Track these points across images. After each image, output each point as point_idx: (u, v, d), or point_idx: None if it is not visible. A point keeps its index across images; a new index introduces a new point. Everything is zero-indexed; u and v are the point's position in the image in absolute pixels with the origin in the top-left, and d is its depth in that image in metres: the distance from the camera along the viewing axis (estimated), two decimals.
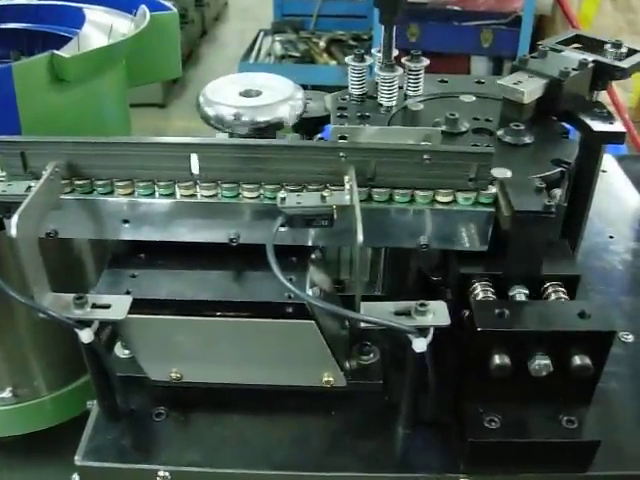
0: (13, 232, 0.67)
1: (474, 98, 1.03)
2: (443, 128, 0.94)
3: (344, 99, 1.03)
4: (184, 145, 0.78)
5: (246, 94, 0.90)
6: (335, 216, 0.74)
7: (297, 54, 3.71)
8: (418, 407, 0.81)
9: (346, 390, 0.85)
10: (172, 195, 0.80)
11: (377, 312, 0.71)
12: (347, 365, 0.84)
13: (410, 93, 1.03)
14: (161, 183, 0.79)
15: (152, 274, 0.81)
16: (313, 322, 0.76)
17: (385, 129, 0.88)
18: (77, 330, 0.72)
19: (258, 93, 0.90)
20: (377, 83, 1.02)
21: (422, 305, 0.71)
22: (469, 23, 3.57)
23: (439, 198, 0.78)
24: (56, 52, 0.99)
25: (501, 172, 0.81)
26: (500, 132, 0.94)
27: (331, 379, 0.83)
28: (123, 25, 1.19)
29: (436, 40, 3.44)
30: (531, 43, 3.36)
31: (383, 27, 0.97)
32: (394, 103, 1.00)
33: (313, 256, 0.82)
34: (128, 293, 0.77)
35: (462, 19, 3.58)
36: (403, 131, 0.81)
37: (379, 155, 0.76)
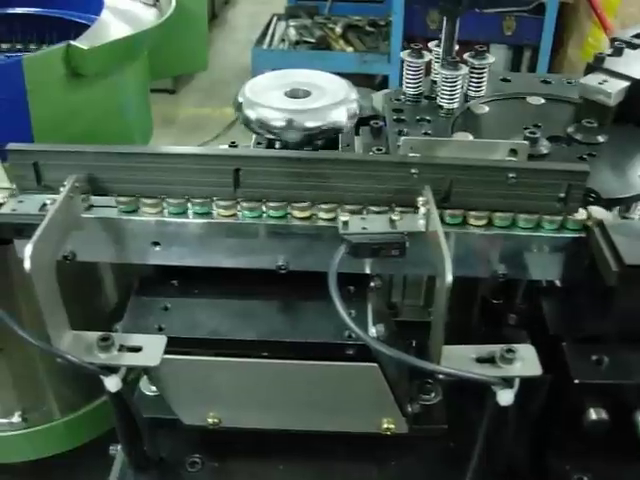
0: (27, 266, 0.56)
1: (543, 100, 0.91)
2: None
3: (398, 99, 0.91)
4: (224, 157, 0.67)
5: (293, 94, 0.78)
6: (407, 245, 0.63)
7: (312, 40, 3.57)
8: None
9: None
10: (208, 214, 0.69)
11: (456, 359, 0.60)
12: (409, 409, 0.74)
13: (472, 94, 0.91)
14: (196, 200, 0.68)
15: (187, 306, 0.70)
16: (376, 365, 0.65)
17: (464, 142, 0.76)
18: (102, 377, 0.61)
19: (306, 93, 0.79)
20: (434, 82, 0.90)
21: (509, 351, 0.60)
22: (491, 10, 3.45)
23: (520, 222, 0.68)
24: (73, 42, 0.88)
25: (601, 213, 0.68)
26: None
27: (392, 426, 0.73)
28: (146, 12, 1.07)
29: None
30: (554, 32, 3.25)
31: (445, 19, 0.86)
32: (456, 105, 0.88)
33: (372, 284, 0.72)
34: (160, 329, 0.67)
35: (484, 6, 3.46)
36: (486, 145, 0.69)
37: (458, 172, 0.65)
